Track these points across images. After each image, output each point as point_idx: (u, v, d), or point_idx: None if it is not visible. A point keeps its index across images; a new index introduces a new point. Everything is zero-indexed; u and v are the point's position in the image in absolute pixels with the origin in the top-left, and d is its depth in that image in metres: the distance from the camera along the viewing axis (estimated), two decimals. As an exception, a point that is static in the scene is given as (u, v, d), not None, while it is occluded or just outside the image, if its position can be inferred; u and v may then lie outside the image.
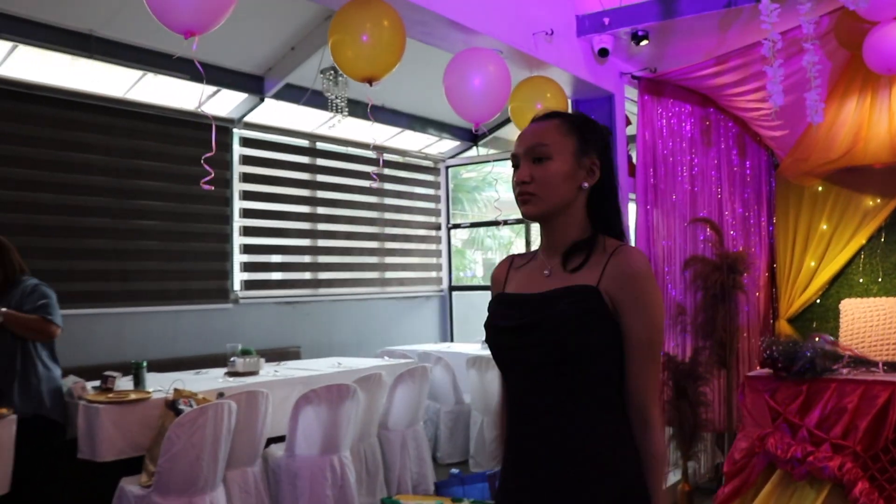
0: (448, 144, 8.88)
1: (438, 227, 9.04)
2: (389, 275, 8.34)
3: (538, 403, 1.85)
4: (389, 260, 8.37)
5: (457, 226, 9.27)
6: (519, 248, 11.35)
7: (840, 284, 5.56)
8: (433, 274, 8.95)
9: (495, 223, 10.13)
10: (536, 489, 1.85)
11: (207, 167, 2.97)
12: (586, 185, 1.88)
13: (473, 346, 7.51)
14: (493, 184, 11.23)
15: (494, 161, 8.97)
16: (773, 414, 3.90)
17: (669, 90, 5.26)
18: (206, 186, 3.15)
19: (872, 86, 4.75)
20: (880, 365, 3.98)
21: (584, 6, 4.82)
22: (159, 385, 4.87)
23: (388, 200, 8.35)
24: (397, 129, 8.05)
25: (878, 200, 5.42)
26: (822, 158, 5.11)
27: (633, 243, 5.23)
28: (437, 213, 9.03)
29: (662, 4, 4.51)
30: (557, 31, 4.70)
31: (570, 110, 5.33)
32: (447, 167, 9.05)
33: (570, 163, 1.86)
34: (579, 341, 1.79)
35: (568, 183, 1.86)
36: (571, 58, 4.86)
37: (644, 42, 4.69)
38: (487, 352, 6.86)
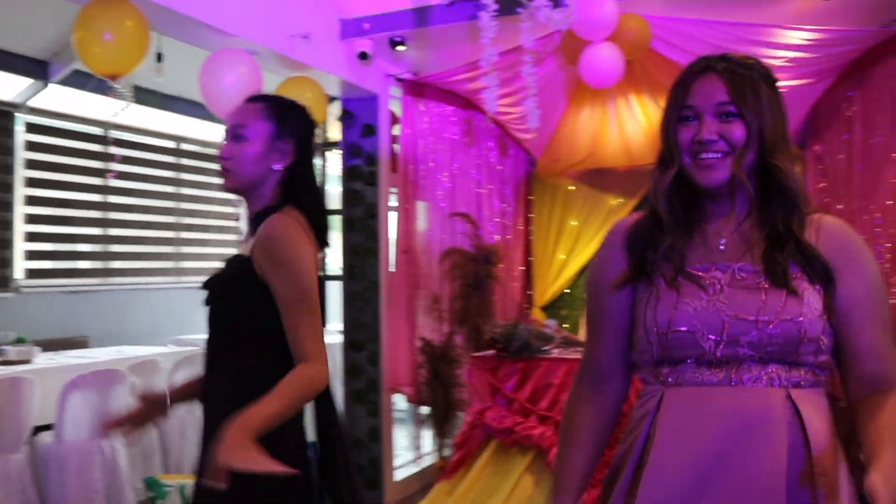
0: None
1: (240, 218, 9.12)
2: (186, 264, 8.38)
3: (208, 359, 2.14)
4: (186, 250, 8.41)
5: (261, 216, 9.37)
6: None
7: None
8: (234, 264, 9.00)
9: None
10: (204, 438, 2.07)
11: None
12: (278, 166, 2.09)
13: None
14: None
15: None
16: (493, 390, 4.33)
17: (432, 92, 5.62)
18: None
19: (601, 97, 5.27)
20: (586, 345, 4.49)
21: (348, 11, 5.11)
22: (-80, 374, 4.83)
23: (186, 190, 8.38)
24: (196, 119, 8.10)
25: (621, 200, 6.00)
26: (569, 160, 5.61)
27: (393, 237, 5.61)
28: (240, 203, 9.10)
29: (416, 13, 4.84)
30: (321, 34, 4.95)
31: (337, 110, 5.64)
32: (251, 158, 9.12)
33: (263, 146, 2.07)
34: (225, 303, 2.07)
35: (259, 164, 2.07)
36: (336, 60, 5.12)
37: (401, 48, 5.01)
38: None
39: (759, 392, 1.54)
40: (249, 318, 2.04)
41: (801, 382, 1.55)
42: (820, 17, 4.46)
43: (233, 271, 2.09)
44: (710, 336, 1.55)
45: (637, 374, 1.71)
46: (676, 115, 1.62)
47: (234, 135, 2.08)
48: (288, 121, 2.12)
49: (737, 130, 1.57)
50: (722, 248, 1.62)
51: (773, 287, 1.55)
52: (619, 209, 5.98)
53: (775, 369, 1.55)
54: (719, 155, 1.57)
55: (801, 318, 1.53)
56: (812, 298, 1.55)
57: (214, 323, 2.11)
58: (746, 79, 1.60)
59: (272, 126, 2.09)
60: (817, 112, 5.17)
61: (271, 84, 4.95)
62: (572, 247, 6.08)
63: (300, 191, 2.12)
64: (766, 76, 1.65)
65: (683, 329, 1.57)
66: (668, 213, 1.63)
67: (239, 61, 4.23)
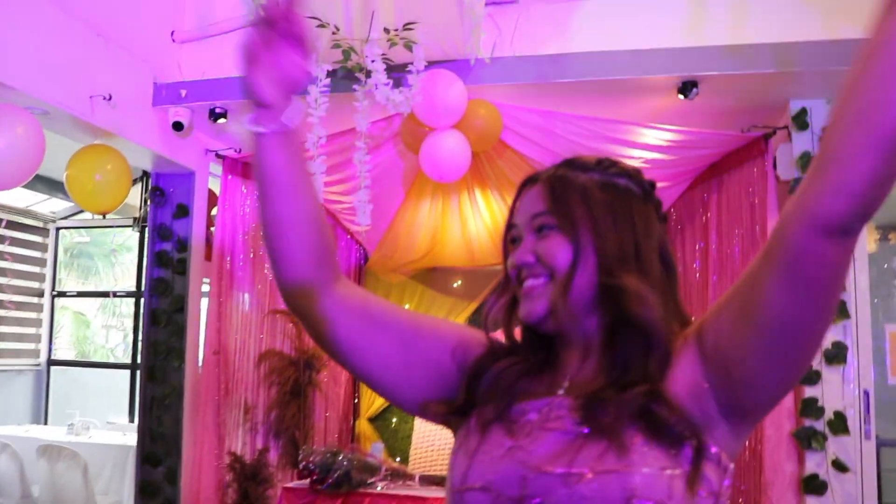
0: (60, 204, 8.09)
1: (41, 294, 8.15)
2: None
3: None
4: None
5: (63, 294, 8.43)
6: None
7: (421, 383, 5.57)
8: (31, 346, 8.03)
9: (104, 294, 9.43)
10: None
11: None
12: None
13: (60, 429, 6.76)
14: (131, 250, 10.47)
15: (118, 227, 8.39)
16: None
17: (257, 172, 5.03)
18: None
19: (443, 190, 4.82)
20: (417, 478, 3.93)
21: (164, 74, 4.48)
22: None
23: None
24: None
25: (462, 301, 5.52)
26: (406, 258, 5.15)
27: (203, 333, 4.93)
28: (41, 278, 8.15)
29: (241, 82, 4.25)
30: (130, 98, 4.30)
31: (148, 184, 4.97)
32: (58, 228, 8.25)
33: None
34: None
35: None
36: (147, 128, 4.47)
37: (222, 120, 4.43)
38: (66, 436, 6.20)
39: None
40: None
41: None
42: (679, 117, 4.22)
43: None
44: (507, 496, 1.08)
45: None
46: (507, 237, 1.29)
47: None
48: None
49: (557, 248, 1.18)
50: (561, 392, 1.19)
51: (594, 433, 1.08)
52: (458, 312, 5.50)
53: None
54: (541, 280, 1.20)
55: (629, 472, 1.03)
56: (647, 449, 1.05)
57: None
58: (578, 183, 1.21)
59: None
60: (672, 218, 4.90)
61: (66, 150, 4.26)
62: (405, 351, 5.54)
63: None
64: (625, 175, 1.25)
65: (478, 486, 1.13)
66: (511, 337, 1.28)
67: (16, 121, 3.52)
